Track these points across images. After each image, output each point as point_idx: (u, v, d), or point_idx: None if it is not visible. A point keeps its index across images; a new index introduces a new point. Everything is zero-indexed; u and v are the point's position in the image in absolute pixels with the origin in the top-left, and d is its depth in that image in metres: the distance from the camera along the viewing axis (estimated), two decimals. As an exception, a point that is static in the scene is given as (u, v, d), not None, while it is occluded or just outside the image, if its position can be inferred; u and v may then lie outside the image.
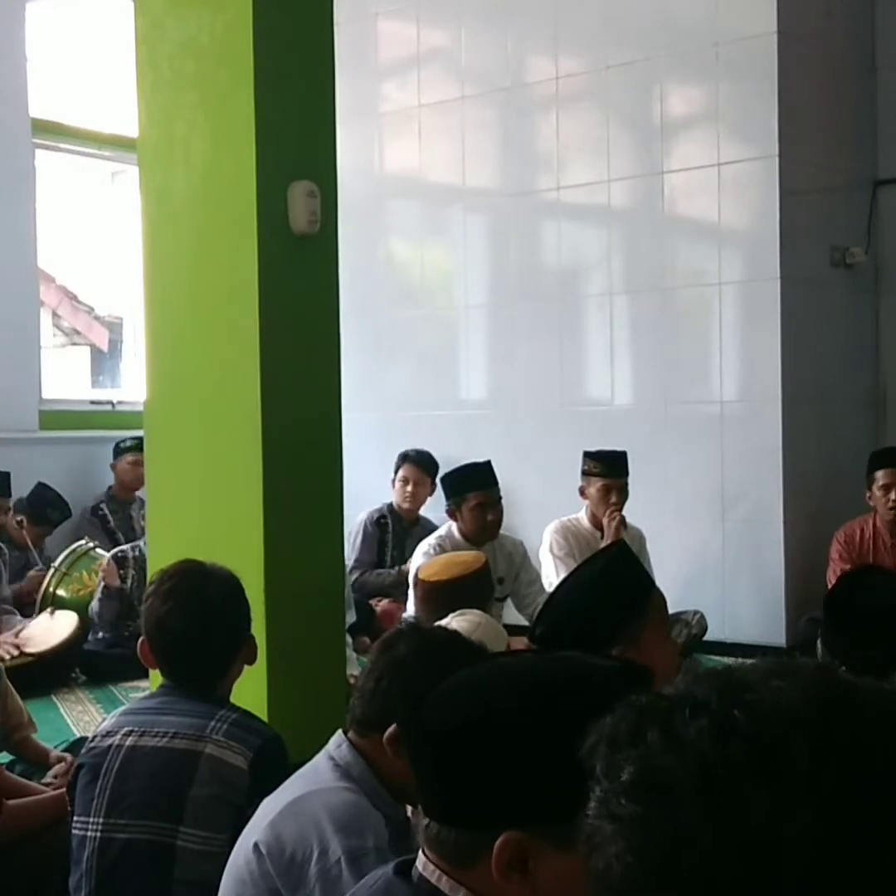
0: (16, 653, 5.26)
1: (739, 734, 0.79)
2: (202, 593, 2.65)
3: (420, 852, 1.41)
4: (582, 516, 5.76)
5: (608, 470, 5.68)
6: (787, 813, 0.76)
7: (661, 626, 2.48)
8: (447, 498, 5.59)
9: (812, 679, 0.82)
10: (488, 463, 5.63)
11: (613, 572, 2.39)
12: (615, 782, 0.81)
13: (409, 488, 6.78)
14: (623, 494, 5.67)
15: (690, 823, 0.77)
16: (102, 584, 5.96)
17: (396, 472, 6.83)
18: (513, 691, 1.36)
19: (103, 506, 7.09)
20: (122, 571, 6.03)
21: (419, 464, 6.78)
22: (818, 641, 2.50)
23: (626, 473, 5.71)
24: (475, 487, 5.47)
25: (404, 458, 6.82)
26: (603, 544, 5.54)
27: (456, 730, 1.35)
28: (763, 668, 0.84)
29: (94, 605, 5.96)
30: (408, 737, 1.44)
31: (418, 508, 6.84)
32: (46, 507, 6.59)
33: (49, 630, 5.61)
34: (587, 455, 5.77)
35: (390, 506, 6.84)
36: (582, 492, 5.74)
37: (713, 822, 0.77)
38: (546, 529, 5.77)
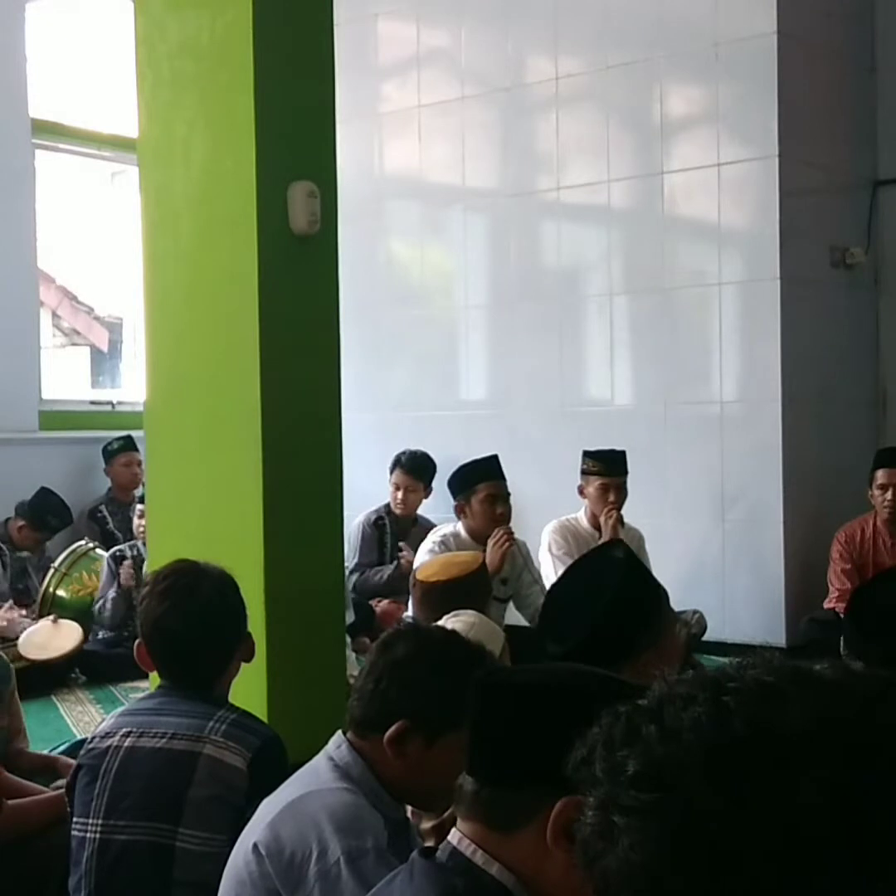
0: (3, 624, 5.24)
1: (735, 714, 0.81)
2: (198, 592, 2.66)
3: (454, 828, 1.43)
4: (581, 516, 5.75)
5: (606, 468, 5.67)
6: (796, 781, 0.77)
7: (674, 620, 2.55)
8: (455, 495, 5.52)
9: (780, 663, 0.87)
10: (495, 456, 5.60)
11: (631, 584, 2.39)
12: (620, 777, 0.83)
13: (400, 495, 6.77)
14: (621, 493, 5.66)
15: (703, 801, 0.79)
16: (115, 584, 5.94)
17: (391, 474, 6.83)
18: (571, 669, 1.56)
19: (103, 508, 7.02)
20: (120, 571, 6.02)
21: (410, 470, 6.75)
22: (841, 639, 2.51)
23: (625, 472, 5.70)
24: (485, 479, 5.45)
25: (396, 463, 6.79)
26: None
27: (525, 687, 1.45)
28: (732, 665, 0.88)
29: (103, 605, 5.94)
30: (473, 693, 1.48)
31: (411, 513, 6.83)
32: (47, 513, 6.50)
33: (51, 638, 5.55)
34: (586, 454, 5.76)
35: (387, 506, 6.83)
36: (581, 491, 5.74)
37: (724, 797, 0.78)
38: (544, 529, 5.76)
